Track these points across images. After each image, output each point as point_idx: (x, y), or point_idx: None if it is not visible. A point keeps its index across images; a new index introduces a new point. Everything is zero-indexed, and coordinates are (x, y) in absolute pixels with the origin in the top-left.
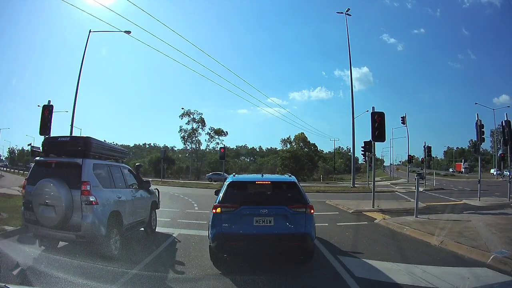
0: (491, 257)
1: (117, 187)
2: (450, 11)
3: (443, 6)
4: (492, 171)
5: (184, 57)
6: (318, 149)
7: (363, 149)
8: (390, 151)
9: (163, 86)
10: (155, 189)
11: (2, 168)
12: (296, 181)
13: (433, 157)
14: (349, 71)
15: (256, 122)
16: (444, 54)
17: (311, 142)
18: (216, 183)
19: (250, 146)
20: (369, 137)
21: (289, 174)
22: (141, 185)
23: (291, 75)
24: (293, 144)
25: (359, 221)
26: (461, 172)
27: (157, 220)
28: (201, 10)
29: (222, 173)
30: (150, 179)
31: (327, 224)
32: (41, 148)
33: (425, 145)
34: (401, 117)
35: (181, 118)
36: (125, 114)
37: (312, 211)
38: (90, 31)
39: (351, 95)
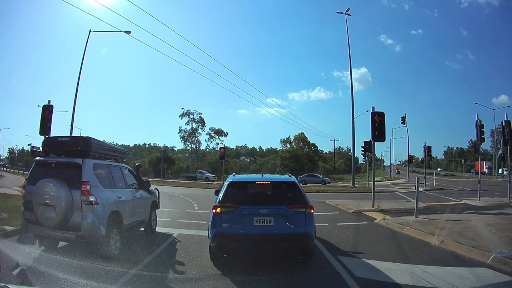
0: (491, 257)
1: (117, 187)
2: (447, 12)
3: (440, 6)
4: (500, 171)
5: (184, 57)
6: (318, 149)
7: (363, 149)
8: (390, 151)
9: (163, 86)
10: (155, 189)
11: (2, 168)
12: (296, 181)
13: (433, 157)
14: (349, 71)
15: (256, 122)
16: (443, 54)
17: (311, 142)
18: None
19: (250, 146)
20: (369, 137)
21: (289, 174)
22: (141, 185)
23: (290, 75)
24: (293, 144)
25: (359, 221)
26: (484, 173)
27: (157, 220)
28: (201, 10)
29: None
30: (150, 179)
31: (327, 224)
32: (41, 148)
33: (425, 145)
34: (401, 117)
35: (181, 118)
36: (125, 114)
37: (312, 211)
38: (90, 31)
39: (351, 95)
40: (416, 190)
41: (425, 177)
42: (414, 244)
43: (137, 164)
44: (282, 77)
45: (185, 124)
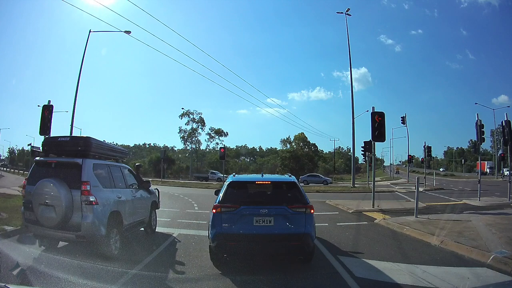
0: (491, 257)
1: (117, 187)
2: (447, 12)
3: (440, 6)
4: (501, 171)
5: (184, 57)
6: (318, 149)
7: (363, 149)
8: (390, 151)
9: (163, 86)
10: (155, 189)
11: (2, 168)
12: (296, 181)
13: (433, 157)
14: (349, 71)
15: (256, 122)
16: (443, 54)
17: (311, 142)
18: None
19: (250, 146)
20: (369, 137)
21: (289, 174)
22: (141, 185)
23: (290, 75)
24: (293, 144)
25: (359, 221)
26: (486, 174)
27: (157, 220)
28: (201, 10)
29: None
30: (150, 179)
31: (327, 224)
32: (41, 148)
33: (425, 145)
34: (401, 117)
35: (181, 118)
36: (125, 114)
37: (312, 211)
38: (90, 31)
39: (351, 96)
40: (416, 190)
41: (425, 177)
42: (414, 244)
43: (137, 164)
44: (282, 77)
45: (185, 124)
